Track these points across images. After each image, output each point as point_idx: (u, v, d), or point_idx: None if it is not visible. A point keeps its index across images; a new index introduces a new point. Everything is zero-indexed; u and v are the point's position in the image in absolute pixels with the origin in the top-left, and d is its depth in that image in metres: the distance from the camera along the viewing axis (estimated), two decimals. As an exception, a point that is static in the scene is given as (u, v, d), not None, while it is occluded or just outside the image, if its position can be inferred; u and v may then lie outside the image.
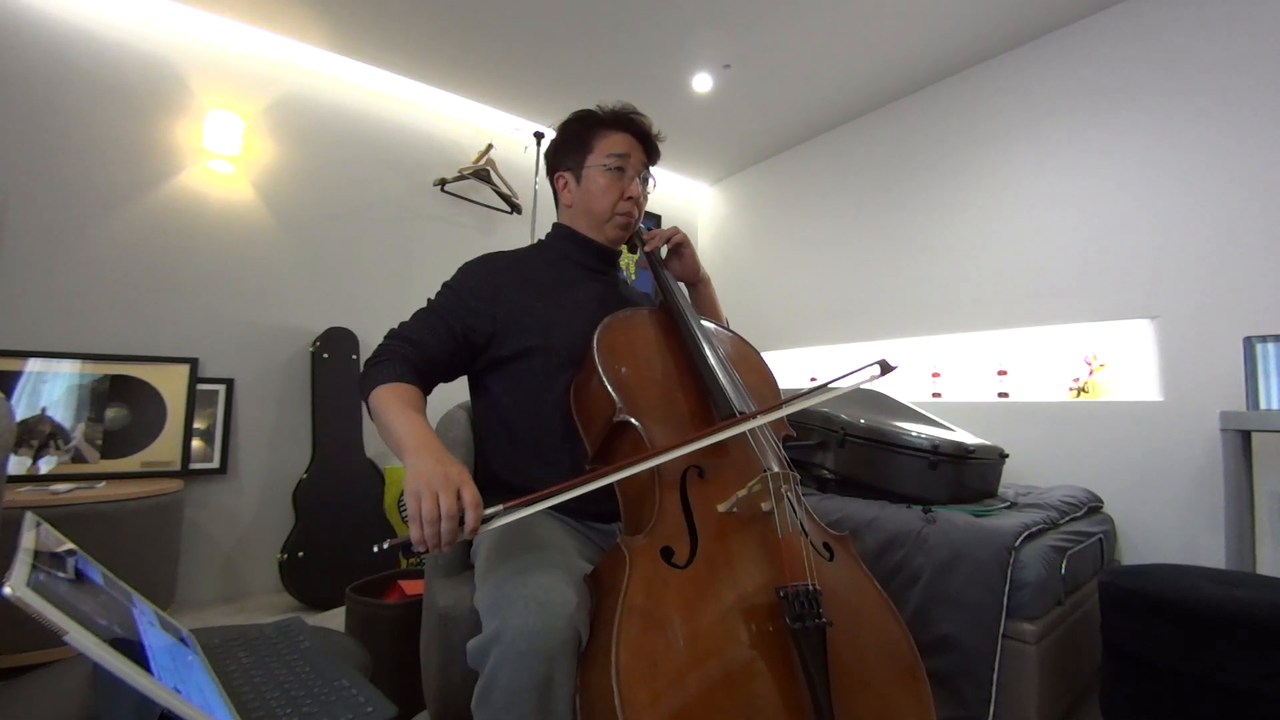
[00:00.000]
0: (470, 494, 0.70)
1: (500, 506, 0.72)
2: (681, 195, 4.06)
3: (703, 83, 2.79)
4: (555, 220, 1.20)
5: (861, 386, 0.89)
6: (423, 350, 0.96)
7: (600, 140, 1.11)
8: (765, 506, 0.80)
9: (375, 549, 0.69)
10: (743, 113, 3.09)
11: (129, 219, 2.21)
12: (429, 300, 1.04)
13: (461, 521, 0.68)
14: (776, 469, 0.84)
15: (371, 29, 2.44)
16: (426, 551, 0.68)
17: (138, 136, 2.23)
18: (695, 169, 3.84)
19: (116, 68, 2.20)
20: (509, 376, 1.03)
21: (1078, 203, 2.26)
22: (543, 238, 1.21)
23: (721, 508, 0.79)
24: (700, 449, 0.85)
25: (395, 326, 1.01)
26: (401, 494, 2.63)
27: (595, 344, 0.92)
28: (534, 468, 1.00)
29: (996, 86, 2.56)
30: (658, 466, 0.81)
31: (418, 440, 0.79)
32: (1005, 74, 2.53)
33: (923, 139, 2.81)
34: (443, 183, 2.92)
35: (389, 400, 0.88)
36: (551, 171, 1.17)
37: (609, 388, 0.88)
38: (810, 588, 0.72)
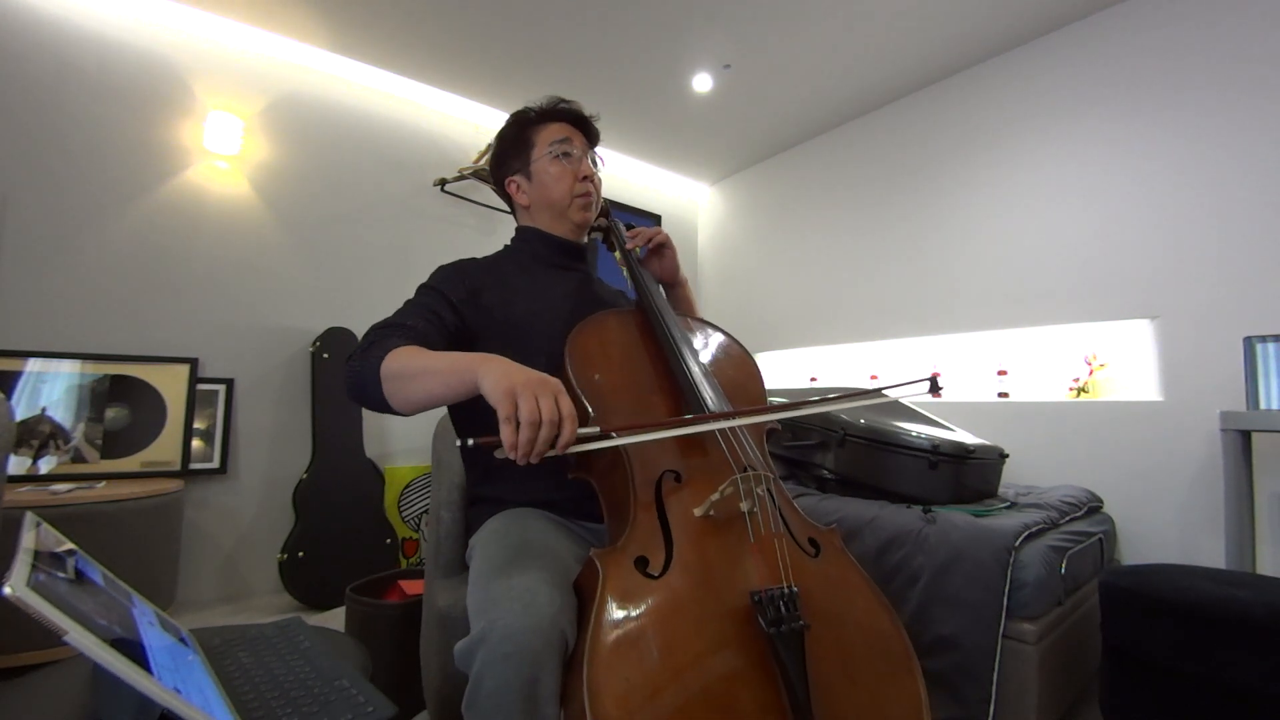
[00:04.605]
0: (568, 404, 0.68)
1: (596, 429, 0.71)
2: (681, 195, 4.06)
3: (703, 83, 2.79)
4: (516, 226, 1.20)
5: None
6: (421, 336, 0.92)
7: (539, 134, 1.12)
8: (744, 507, 0.79)
9: (459, 443, 0.66)
10: (743, 113, 3.09)
11: (130, 219, 2.21)
12: (409, 301, 1.01)
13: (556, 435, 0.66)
14: (757, 469, 0.83)
15: (371, 29, 2.44)
16: (511, 460, 0.65)
17: (137, 137, 2.23)
18: (695, 169, 3.84)
19: (116, 68, 2.20)
20: None
21: (1078, 203, 2.26)
22: (507, 243, 1.19)
23: (697, 512, 0.77)
24: (676, 450, 0.86)
25: (377, 322, 0.95)
26: (404, 488, 2.64)
27: (567, 352, 0.91)
28: (511, 477, 0.99)
29: (996, 87, 2.56)
30: (631, 476, 0.81)
31: (485, 355, 0.76)
32: (1005, 74, 2.53)
33: (923, 139, 2.81)
34: (443, 183, 2.92)
35: (414, 353, 0.82)
36: (501, 181, 1.17)
37: (581, 396, 0.87)
38: (786, 590, 0.71)
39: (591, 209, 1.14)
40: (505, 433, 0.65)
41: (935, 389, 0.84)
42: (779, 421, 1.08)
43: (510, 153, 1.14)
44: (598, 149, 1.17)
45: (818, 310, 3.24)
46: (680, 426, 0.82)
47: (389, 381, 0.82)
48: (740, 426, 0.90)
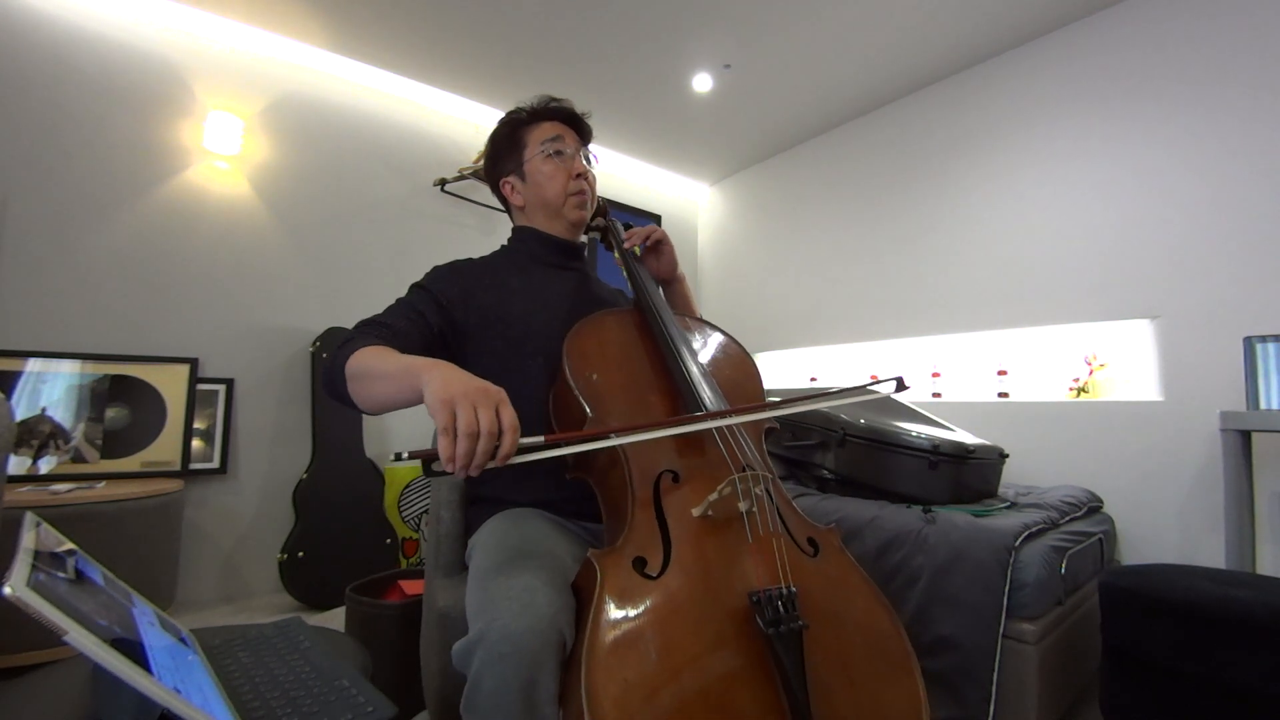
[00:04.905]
0: (510, 415, 0.65)
1: (541, 439, 0.68)
2: (681, 195, 4.06)
3: (703, 83, 2.79)
4: (513, 226, 1.20)
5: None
6: (399, 336, 0.91)
7: (531, 134, 1.12)
8: (742, 506, 0.78)
9: (394, 456, 0.64)
10: (743, 113, 3.09)
11: (130, 219, 2.21)
12: (399, 299, 1.01)
13: (496, 447, 0.64)
14: (755, 469, 0.82)
15: (371, 29, 2.44)
16: (449, 473, 0.62)
17: (137, 137, 2.23)
18: (695, 169, 3.84)
19: (117, 68, 2.20)
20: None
21: (1078, 203, 2.26)
22: (505, 243, 1.19)
23: (695, 512, 0.77)
24: (673, 450, 0.86)
25: (362, 319, 0.95)
26: (404, 488, 2.64)
27: (565, 352, 0.92)
28: (510, 477, 0.99)
29: (996, 87, 2.56)
30: (629, 476, 0.81)
31: (433, 362, 0.73)
32: (1004, 75, 2.53)
33: (923, 139, 2.82)
34: (443, 183, 2.92)
35: (375, 353, 0.81)
36: (496, 183, 1.17)
37: (579, 397, 0.87)
38: (785, 590, 0.71)
39: (586, 207, 1.14)
40: (442, 444, 0.63)
41: (902, 388, 0.86)
42: (775, 420, 1.07)
43: (503, 154, 1.14)
44: (593, 146, 1.17)
45: (818, 310, 3.24)
46: (666, 427, 0.81)
47: (352, 380, 0.82)
48: (738, 426, 0.90)
